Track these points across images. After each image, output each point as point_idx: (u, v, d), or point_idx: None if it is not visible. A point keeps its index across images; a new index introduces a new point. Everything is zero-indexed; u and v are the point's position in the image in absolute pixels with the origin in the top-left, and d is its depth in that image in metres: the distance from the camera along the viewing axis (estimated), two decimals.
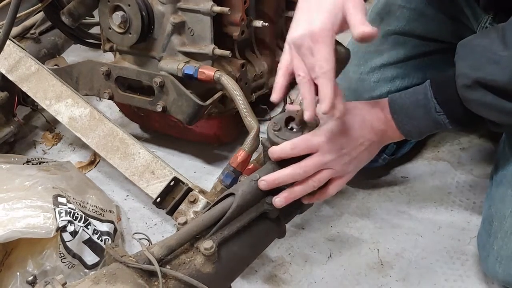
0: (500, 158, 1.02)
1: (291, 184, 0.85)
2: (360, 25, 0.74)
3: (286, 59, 0.83)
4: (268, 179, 0.83)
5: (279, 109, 1.54)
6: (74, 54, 1.93)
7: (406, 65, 1.18)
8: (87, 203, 1.22)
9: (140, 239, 0.81)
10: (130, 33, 1.27)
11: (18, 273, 1.07)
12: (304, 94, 0.79)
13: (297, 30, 0.79)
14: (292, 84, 0.85)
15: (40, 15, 1.68)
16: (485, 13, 1.04)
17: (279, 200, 0.85)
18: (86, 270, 1.12)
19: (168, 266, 0.74)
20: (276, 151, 0.85)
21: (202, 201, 1.11)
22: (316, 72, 0.77)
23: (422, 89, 0.88)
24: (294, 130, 0.87)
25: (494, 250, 0.95)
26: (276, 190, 0.84)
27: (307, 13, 0.80)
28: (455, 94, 0.83)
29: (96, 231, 1.14)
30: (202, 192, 1.14)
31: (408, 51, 1.18)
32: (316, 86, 0.78)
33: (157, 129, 1.56)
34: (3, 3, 1.55)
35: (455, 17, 1.15)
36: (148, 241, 0.90)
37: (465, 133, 1.38)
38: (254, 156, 1.18)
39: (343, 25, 0.78)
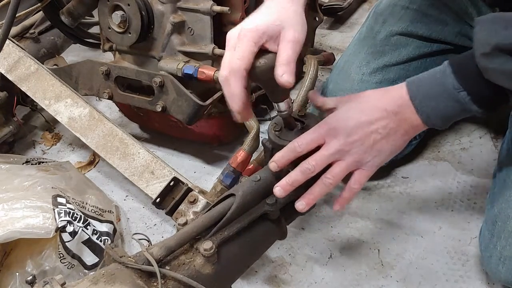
0: (503, 158, 1.02)
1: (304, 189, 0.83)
2: (282, 68, 0.75)
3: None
4: (282, 184, 0.81)
5: None
6: (74, 54, 1.93)
7: (409, 66, 1.18)
8: (86, 203, 1.21)
9: (139, 239, 0.81)
10: (130, 33, 1.27)
11: (17, 274, 1.07)
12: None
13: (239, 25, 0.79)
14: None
15: (40, 14, 1.68)
16: (491, 10, 1.03)
17: (300, 204, 0.82)
18: (86, 271, 1.12)
19: (167, 267, 0.73)
20: (280, 158, 0.82)
21: (202, 201, 1.10)
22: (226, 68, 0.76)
23: (440, 67, 0.82)
24: (295, 130, 0.87)
25: (497, 251, 0.94)
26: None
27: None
28: (475, 69, 0.77)
29: (95, 232, 1.14)
30: (202, 192, 1.13)
31: (410, 52, 1.18)
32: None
33: (156, 129, 1.55)
34: (2, 2, 1.54)
35: (459, 18, 1.15)
36: (148, 241, 0.90)
37: (465, 133, 1.38)
38: (254, 156, 1.18)
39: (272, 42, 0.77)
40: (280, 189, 0.81)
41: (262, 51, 0.77)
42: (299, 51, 0.77)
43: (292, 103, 1.10)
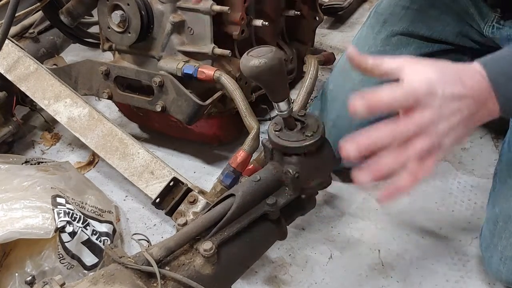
0: (504, 158, 1.02)
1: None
2: None
3: None
4: (360, 142, 0.62)
5: None
6: (73, 53, 1.92)
7: None
8: (86, 204, 1.21)
9: (139, 240, 0.81)
10: (129, 32, 1.26)
11: (16, 274, 1.07)
12: None
13: None
14: (291, 84, 0.83)
15: (39, 14, 1.68)
16: (493, 11, 1.02)
17: (366, 175, 0.64)
18: (85, 271, 1.11)
19: (167, 268, 0.73)
20: (369, 97, 0.62)
21: (202, 201, 1.10)
22: None
23: None
24: (295, 130, 0.87)
25: (498, 251, 0.94)
26: (275, 191, 0.83)
27: None
28: None
29: (95, 232, 1.14)
30: (202, 192, 1.13)
31: (411, 52, 1.17)
32: None
33: (156, 129, 1.55)
34: (2, 2, 1.54)
35: (460, 18, 1.14)
36: (148, 242, 0.90)
37: None
38: (254, 156, 1.17)
39: None
40: (353, 145, 0.62)
41: (261, 50, 0.77)
42: None
43: (292, 103, 1.09)
